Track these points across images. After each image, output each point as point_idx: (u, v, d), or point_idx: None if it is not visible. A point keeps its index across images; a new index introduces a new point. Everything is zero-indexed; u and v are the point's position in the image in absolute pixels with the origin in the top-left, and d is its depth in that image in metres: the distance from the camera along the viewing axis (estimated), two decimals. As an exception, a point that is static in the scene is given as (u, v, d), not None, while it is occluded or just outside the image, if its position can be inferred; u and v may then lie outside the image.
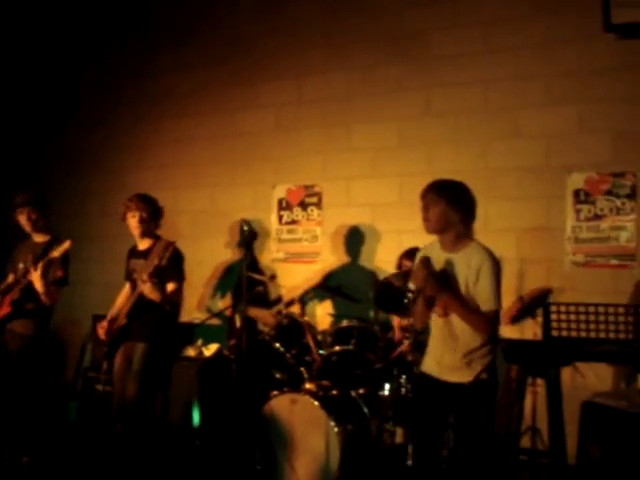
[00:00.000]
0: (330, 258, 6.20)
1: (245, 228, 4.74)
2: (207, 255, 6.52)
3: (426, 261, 3.51)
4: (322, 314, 6.06)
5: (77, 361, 6.80)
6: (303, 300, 5.70)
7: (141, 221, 4.73)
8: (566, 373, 5.01)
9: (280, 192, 6.45)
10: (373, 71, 6.06)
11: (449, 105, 5.74)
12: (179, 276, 4.71)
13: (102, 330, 4.76)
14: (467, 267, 3.45)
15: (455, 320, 3.49)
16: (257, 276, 5.38)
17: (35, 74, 7.74)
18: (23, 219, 5.02)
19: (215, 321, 6.04)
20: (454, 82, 5.72)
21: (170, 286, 4.62)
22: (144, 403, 4.65)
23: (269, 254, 6.48)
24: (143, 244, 4.82)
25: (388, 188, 5.92)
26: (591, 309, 4.31)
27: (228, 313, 5.92)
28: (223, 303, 6.37)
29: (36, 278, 4.76)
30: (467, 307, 3.43)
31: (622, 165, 5.19)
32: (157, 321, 4.67)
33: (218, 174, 6.74)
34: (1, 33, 7.45)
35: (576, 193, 5.32)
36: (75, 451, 5.40)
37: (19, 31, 7.60)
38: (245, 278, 4.75)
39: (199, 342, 5.91)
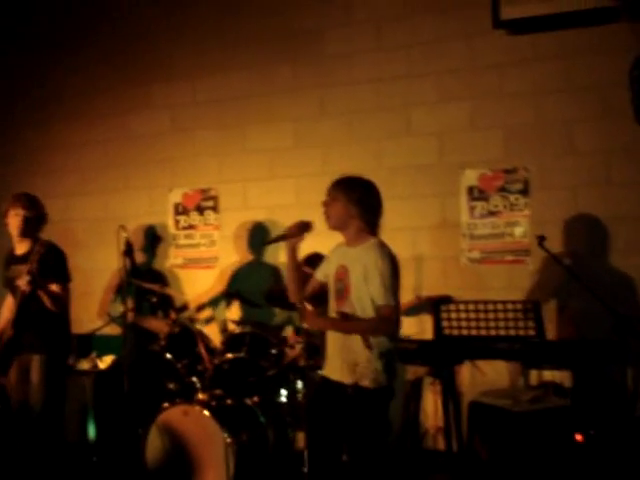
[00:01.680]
0: (229, 262, 6.07)
1: (124, 235, 4.56)
2: (103, 264, 6.22)
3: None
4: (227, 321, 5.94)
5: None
6: (206, 307, 5.61)
7: (24, 221, 4.53)
8: (466, 370, 5.02)
9: (176, 196, 6.29)
10: (268, 71, 5.96)
11: (343, 104, 5.69)
12: (62, 276, 4.55)
13: None
14: (360, 264, 3.41)
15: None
16: (148, 285, 5.22)
17: None
18: None
19: (114, 331, 5.84)
20: (347, 81, 5.66)
21: (54, 287, 4.45)
22: (50, 415, 4.52)
23: (167, 260, 6.32)
24: (21, 247, 4.61)
25: (285, 190, 5.83)
26: (480, 306, 4.32)
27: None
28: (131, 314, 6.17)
29: None
30: (350, 325, 3.41)
31: (514, 161, 5.23)
32: (50, 330, 4.52)
33: (111, 179, 6.53)
34: None
35: (470, 190, 5.33)
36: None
37: None
38: (124, 287, 4.60)
39: (93, 354, 5.70)
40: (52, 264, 4.45)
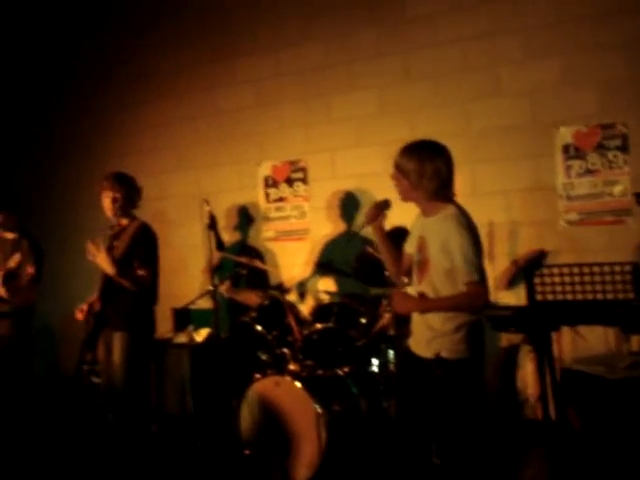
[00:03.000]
0: (319, 234, 6.06)
1: (207, 208, 4.58)
2: (195, 240, 6.37)
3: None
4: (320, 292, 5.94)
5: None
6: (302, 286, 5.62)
7: (114, 202, 4.59)
8: (567, 337, 4.83)
9: (265, 169, 6.31)
10: (349, 38, 5.86)
11: (427, 67, 5.53)
12: (149, 260, 4.59)
13: (80, 313, 4.65)
14: (437, 237, 3.29)
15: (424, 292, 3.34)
16: (235, 258, 5.27)
17: (18, 62, 7.63)
18: None
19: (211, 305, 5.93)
20: (431, 43, 5.49)
21: (140, 271, 4.50)
22: (133, 392, 4.58)
23: (260, 234, 6.36)
24: (120, 224, 4.70)
25: (372, 157, 5.72)
26: (575, 270, 4.13)
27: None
28: (225, 287, 6.24)
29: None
30: (438, 304, 3.31)
31: (611, 116, 4.94)
32: (133, 307, 4.56)
33: (201, 155, 6.61)
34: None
35: (565, 149, 5.09)
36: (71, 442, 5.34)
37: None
38: (210, 261, 4.64)
39: (190, 328, 5.81)
40: (140, 247, 4.53)
